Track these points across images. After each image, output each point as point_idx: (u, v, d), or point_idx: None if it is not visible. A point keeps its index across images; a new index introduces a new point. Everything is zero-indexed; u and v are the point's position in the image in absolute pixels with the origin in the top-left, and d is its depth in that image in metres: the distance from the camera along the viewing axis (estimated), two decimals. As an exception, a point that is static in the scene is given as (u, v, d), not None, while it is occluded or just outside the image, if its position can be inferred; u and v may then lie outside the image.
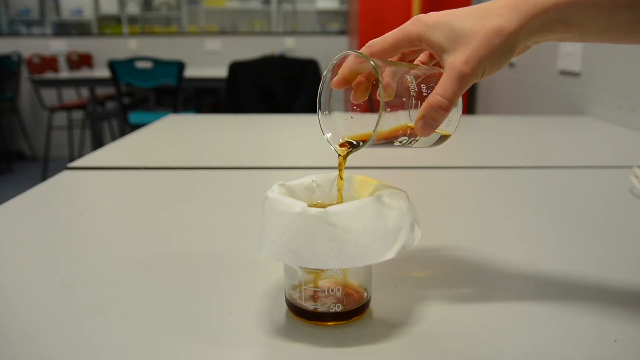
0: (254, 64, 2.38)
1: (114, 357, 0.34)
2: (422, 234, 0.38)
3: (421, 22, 0.38)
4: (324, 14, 4.91)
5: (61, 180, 0.78)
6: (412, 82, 0.38)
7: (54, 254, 0.51)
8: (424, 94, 0.38)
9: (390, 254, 0.34)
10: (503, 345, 0.36)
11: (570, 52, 1.50)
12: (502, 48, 0.36)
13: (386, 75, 0.37)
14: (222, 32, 4.66)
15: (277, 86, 2.36)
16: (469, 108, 2.53)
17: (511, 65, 2.02)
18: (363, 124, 0.40)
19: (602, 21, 0.36)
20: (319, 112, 0.40)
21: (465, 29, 0.36)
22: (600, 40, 0.37)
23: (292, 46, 4.18)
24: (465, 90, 0.37)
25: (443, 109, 0.37)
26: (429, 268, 0.48)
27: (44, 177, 3.46)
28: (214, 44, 4.20)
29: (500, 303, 0.41)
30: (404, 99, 0.38)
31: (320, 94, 0.39)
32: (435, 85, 0.38)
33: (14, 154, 4.24)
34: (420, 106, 0.38)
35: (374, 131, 0.35)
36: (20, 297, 0.42)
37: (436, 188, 0.77)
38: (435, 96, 0.37)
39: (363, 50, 0.40)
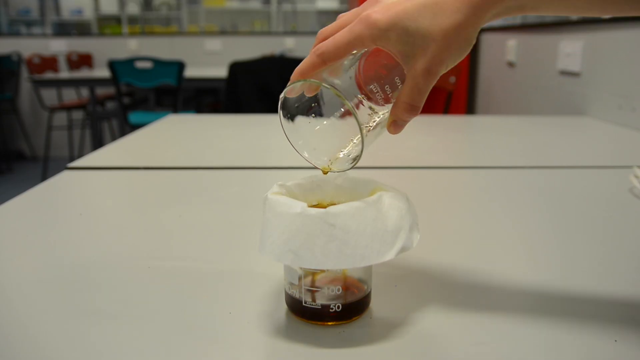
0: (254, 64, 2.38)
1: (113, 357, 0.34)
2: (422, 234, 0.38)
3: (374, 26, 0.36)
4: (324, 14, 4.91)
5: (61, 180, 0.78)
6: (377, 91, 0.39)
7: (54, 254, 0.51)
8: (389, 94, 0.39)
9: (390, 255, 0.34)
10: (503, 345, 0.36)
11: (570, 52, 1.50)
12: (462, 44, 0.36)
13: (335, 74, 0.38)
14: (222, 32, 4.66)
15: (277, 86, 2.35)
16: (469, 108, 2.53)
17: (511, 65, 2.02)
18: (330, 126, 0.40)
19: (557, 4, 0.36)
20: (285, 134, 0.40)
21: (422, 31, 0.35)
22: (556, 15, 0.38)
23: (292, 46, 4.18)
24: (430, 89, 0.37)
25: (413, 112, 0.38)
26: (429, 268, 0.48)
27: (44, 177, 3.46)
28: (214, 44, 4.20)
29: (500, 303, 0.41)
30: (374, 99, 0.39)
31: (281, 120, 0.39)
32: (394, 78, 0.39)
33: (14, 154, 4.24)
34: (385, 104, 0.39)
35: (360, 153, 0.37)
36: (21, 297, 0.43)
37: (436, 188, 0.77)
38: (403, 103, 0.38)
39: (315, 60, 0.38)
